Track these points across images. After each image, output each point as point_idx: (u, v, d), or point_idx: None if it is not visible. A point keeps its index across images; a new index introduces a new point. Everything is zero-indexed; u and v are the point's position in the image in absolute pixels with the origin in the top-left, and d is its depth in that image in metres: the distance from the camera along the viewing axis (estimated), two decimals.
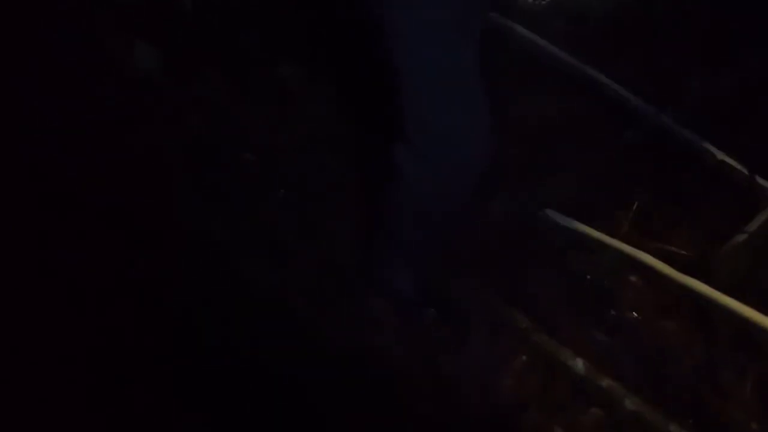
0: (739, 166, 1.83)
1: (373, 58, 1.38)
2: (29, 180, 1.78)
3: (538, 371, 1.52)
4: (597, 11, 2.16)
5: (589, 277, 1.65)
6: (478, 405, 1.49)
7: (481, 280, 1.65)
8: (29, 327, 1.53)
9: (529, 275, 1.68)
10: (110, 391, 1.46)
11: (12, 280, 1.59)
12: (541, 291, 1.63)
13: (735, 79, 2.02)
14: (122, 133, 1.89)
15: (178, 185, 1.82)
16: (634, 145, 1.92)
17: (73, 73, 1.97)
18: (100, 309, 1.58)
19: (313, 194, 1.79)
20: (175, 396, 1.46)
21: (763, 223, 1.71)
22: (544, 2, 2.21)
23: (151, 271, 1.65)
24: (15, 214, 1.69)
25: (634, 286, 1.64)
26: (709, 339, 1.56)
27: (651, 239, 1.72)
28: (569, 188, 1.82)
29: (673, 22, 2.15)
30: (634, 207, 1.78)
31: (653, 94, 1.97)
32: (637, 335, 1.58)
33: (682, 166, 1.86)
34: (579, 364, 1.50)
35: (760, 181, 1.80)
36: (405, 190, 1.43)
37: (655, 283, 1.62)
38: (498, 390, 1.50)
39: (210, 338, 1.56)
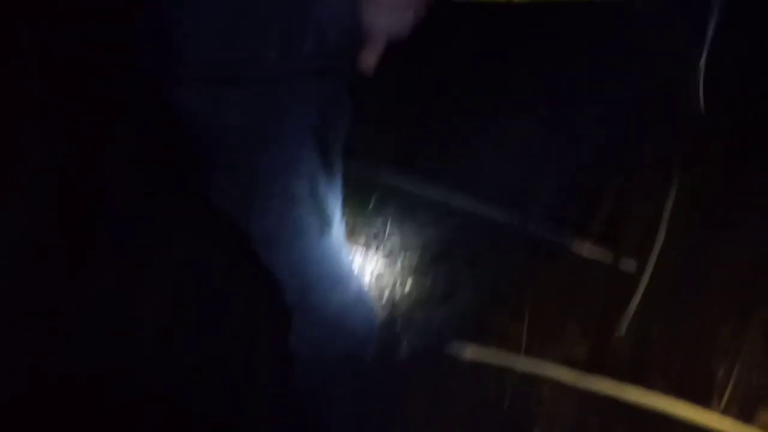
0: (604, 250, 1.99)
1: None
2: None
3: None
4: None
5: (506, 404, 1.71)
6: None
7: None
8: None
9: (446, 414, 1.72)
10: None
11: None
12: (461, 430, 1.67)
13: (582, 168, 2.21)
14: None
15: None
16: (512, 254, 2.04)
17: None
18: None
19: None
20: None
21: (639, 303, 1.85)
22: None
23: None
24: None
25: (548, 400, 1.71)
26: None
27: (551, 345, 1.81)
28: (464, 312, 1.89)
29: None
30: (525, 316, 1.88)
31: (510, 201, 2.12)
32: None
33: (557, 265, 1.99)
34: None
35: (624, 263, 1.96)
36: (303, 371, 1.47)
37: (567, 390, 1.70)
38: None
39: None
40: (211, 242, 1.97)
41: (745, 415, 1.58)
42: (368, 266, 1.94)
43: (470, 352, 1.78)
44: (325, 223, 1.33)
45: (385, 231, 2.10)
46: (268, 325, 1.72)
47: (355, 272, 1.44)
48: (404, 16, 1.09)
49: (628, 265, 1.95)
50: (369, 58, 1.13)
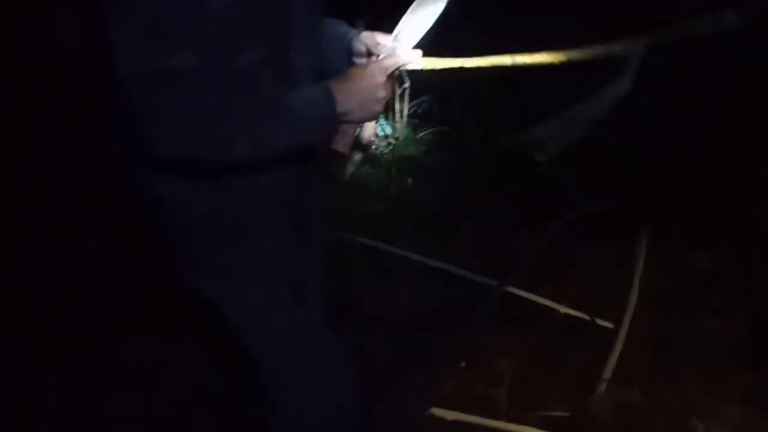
0: (579, 314, 2.05)
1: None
2: None
3: None
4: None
5: None
6: None
7: None
8: None
9: None
10: None
11: None
12: None
13: (553, 233, 2.29)
14: None
15: None
16: (488, 319, 2.09)
17: None
18: None
19: None
20: None
21: (615, 366, 1.89)
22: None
23: None
24: None
25: None
26: None
27: (531, 410, 1.83)
28: (443, 378, 1.92)
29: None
30: (505, 381, 1.91)
31: (489, 266, 2.19)
32: None
33: (536, 328, 2.03)
34: None
35: (601, 323, 2.01)
36: None
37: None
38: None
39: None
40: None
41: None
42: (347, 332, 1.96)
43: (451, 416, 1.80)
44: (302, 297, 1.35)
45: (361, 294, 2.15)
46: None
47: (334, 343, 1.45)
48: (374, 108, 1.19)
49: (604, 326, 2.01)
50: (342, 145, 1.22)
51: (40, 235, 2.09)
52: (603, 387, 1.86)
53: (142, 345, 2.02)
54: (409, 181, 2.64)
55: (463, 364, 1.99)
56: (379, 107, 1.19)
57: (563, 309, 2.07)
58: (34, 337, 2.02)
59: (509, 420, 1.79)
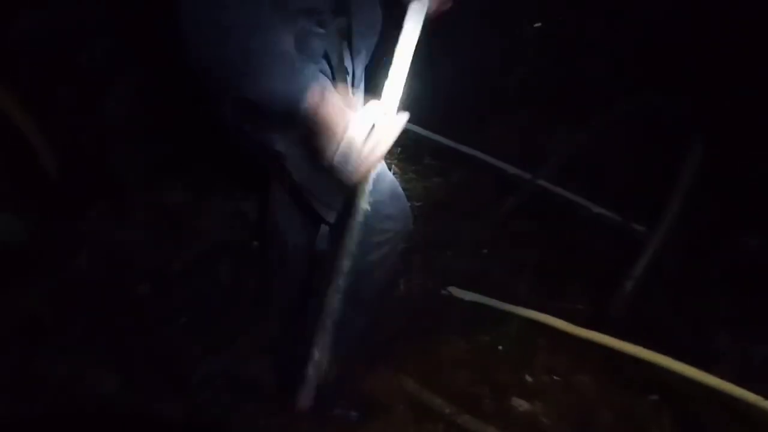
0: (613, 215, 1.96)
1: None
2: None
3: None
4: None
5: (500, 347, 1.68)
6: None
7: (396, 368, 1.63)
8: None
9: (442, 355, 1.68)
10: None
11: None
12: (455, 370, 1.63)
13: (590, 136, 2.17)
14: None
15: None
16: (516, 211, 2.01)
17: None
18: None
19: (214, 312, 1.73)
20: None
21: (645, 266, 1.81)
22: None
23: None
24: None
25: (543, 348, 1.67)
26: (623, 386, 1.61)
27: (550, 299, 1.78)
28: (465, 261, 1.86)
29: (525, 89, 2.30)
30: (530, 270, 1.85)
31: (522, 159, 2.09)
32: (557, 396, 1.61)
33: (564, 224, 1.96)
34: None
35: (636, 226, 1.92)
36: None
37: (563, 342, 1.66)
38: None
39: None
40: None
41: (742, 380, 1.53)
42: None
43: (469, 297, 1.75)
44: None
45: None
46: None
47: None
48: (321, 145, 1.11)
49: (638, 227, 1.91)
50: None
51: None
52: (629, 285, 1.78)
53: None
54: None
55: (485, 250, 1.93)
56: (325, 153, 1.11)
57: (595, 208, 1.98)
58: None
59: (528, 307, 1.74)
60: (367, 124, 1.11)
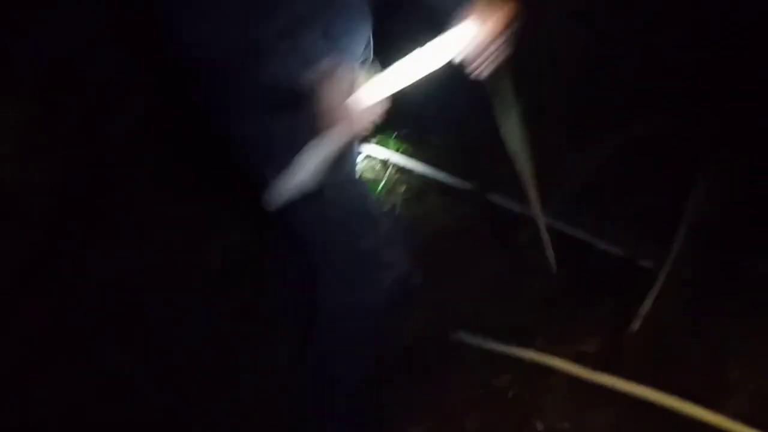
0: (618, 251, 1.96)
1: None
2: None
3: None
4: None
5: (510, 393, 1.69)
6: None
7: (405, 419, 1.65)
8: None
9: (452, 399, 1.70)
10: None
11: None
12: (465, 419, 1.65)
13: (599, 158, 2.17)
14: None
15: None
16: (525, 246, 2.02)
17: None
18: None
19: None
20: None
21: (653, 304, 1.82)
22: None
23: None
24: None
25: (555, 392, 1.68)
26: (637, 430, 1.61)
27: (563, 344, 1.78)
28: (476, 304, 1.88)
29: None
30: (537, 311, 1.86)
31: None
32: None
33: (573, 264, 1.95)
34: None
35: (642, 262, 1.93)
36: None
37: (575, 384, 1.67)
38: None
39: None
40: None
41: (755, 418, 1.54)
42: None
43: (480, 341, 1.77)
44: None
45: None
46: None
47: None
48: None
49: (645, 263, 1.92)
50: None
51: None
52: (637, 325, 1.79)
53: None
54: None
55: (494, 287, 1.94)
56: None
57: (601, 244, 1.99)
58: None
59: (539, 348, 1.75)
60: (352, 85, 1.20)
